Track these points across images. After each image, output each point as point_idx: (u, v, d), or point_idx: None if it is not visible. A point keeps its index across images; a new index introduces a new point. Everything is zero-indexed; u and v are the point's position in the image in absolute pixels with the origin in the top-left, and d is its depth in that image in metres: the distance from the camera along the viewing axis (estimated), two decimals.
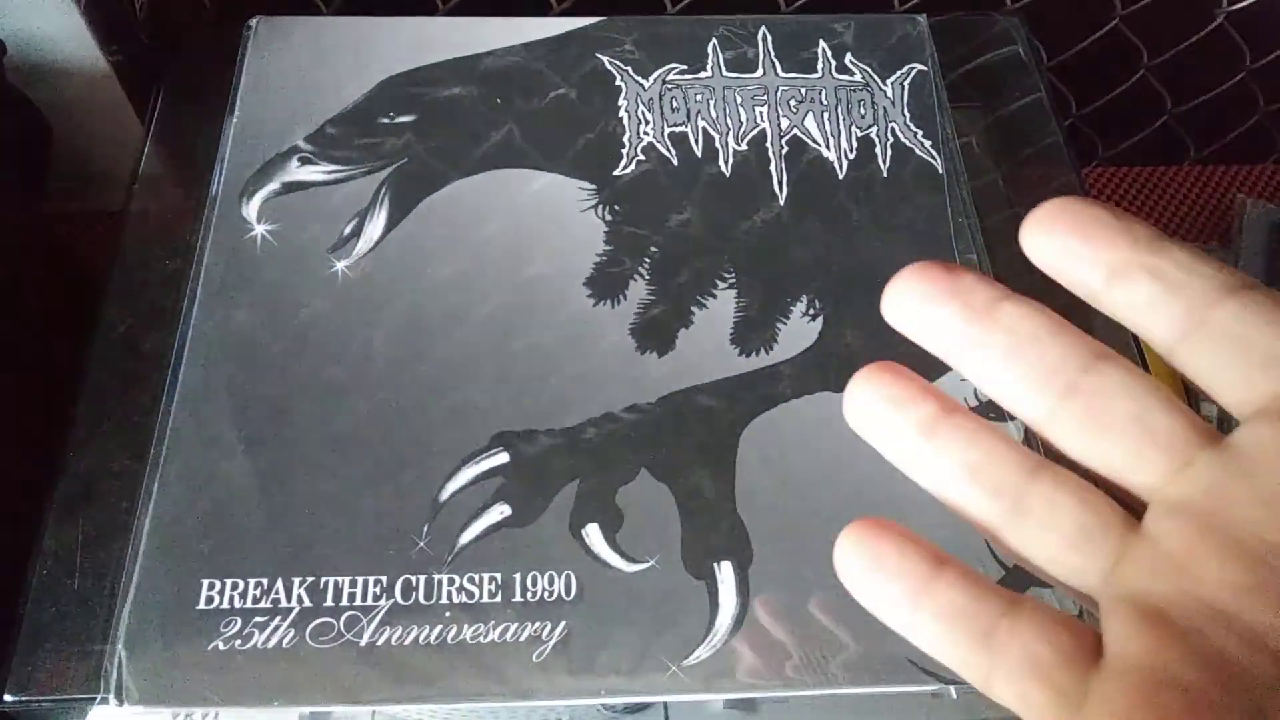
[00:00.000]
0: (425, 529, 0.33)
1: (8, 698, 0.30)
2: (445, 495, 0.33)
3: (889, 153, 0.42)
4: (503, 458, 0.34)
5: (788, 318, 0.38)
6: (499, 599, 0.32)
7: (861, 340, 0.38)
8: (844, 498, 0.34)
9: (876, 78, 0.44)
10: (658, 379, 0.36)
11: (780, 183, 0.41)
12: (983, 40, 0.48)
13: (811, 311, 0.38)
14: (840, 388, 0.35)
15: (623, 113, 0.43)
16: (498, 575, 0.32)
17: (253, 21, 0.44)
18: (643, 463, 0.34)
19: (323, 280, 0.38)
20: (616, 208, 0.40)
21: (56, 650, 0.31)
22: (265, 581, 0.31)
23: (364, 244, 0.39)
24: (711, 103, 0.43)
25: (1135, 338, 0.40)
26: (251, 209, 0.39)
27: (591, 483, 0.34)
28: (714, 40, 0.45)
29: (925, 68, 0.45)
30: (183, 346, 0.36)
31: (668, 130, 0.42)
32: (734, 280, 0.39)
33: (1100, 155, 0.65)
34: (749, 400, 0.36)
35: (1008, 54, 0.47)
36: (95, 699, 0.30)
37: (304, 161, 0.40)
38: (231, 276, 0.38)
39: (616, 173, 0.41)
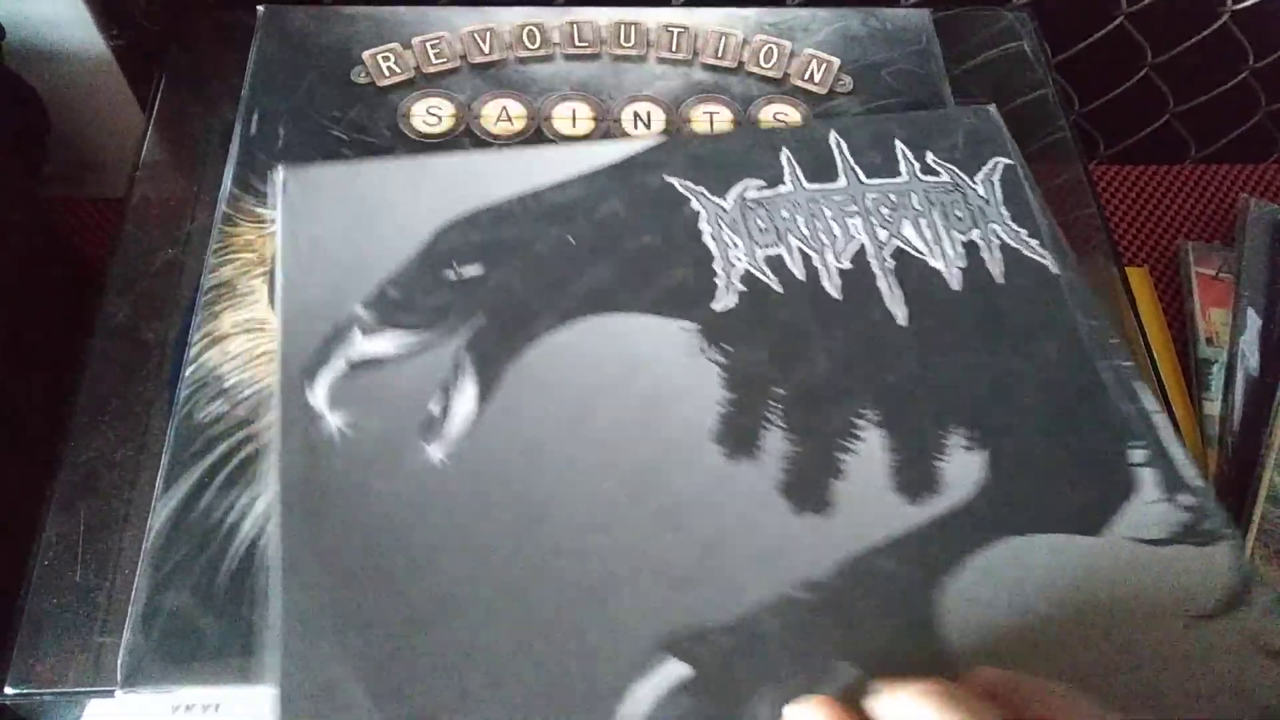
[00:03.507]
0: None
1: (8, 690, 0.30)
2: None
3: (997, 255, 0.38)
4: (683, 669, 0.29)
5: (944, 452, 0.34)
6: None
7: (1035, 466, 0.33)
8: (1071, 643, 0.30)
9: (964, 176, 0.41)
10: (826, 543, 0.31)
11: (896, 301, 0.37)
12: (989, 35, 0.48)
13: (968, 443, 0.34)
14: (1026, 529, 0.32)
15: (707, 238, 0.38)
16: None
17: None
18: (839, 653, 0.30)
19: (416, 472, 0.32)
20: (726, 346, 0.35)
21: (57, 642, 0.30)
22: None
23: (457, 423, 0.33)
24: (800, 219, 0.39)
25: (1143, 334, 0.39)
26: (319, 396, 0.33)
27: (787, 689, 0.29)
28: (785, 150, 0.40)
29: (1010, 160, 0.41)
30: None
31: (760, 253, 0.38)
32: (877, 417, 0.34)
33: (1102, 153, 0.65)
34: (936, 556, 0.32)
35: (1014, 49, 0.47)
36: (99, 691, 0.30)
37: (367, 332, 0.35)
38: (312, 485, 0.32)
39: (716, 306, 0.36)
